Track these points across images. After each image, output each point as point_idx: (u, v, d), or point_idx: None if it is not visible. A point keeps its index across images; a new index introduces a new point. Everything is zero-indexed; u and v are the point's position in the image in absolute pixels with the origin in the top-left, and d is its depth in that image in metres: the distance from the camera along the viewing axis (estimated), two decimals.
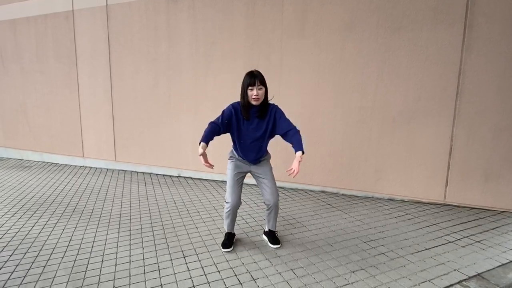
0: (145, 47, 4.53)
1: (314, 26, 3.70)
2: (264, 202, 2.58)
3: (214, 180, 4.50)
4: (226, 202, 2.55)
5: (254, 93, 2.29)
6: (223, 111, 2.41)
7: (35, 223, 3.10)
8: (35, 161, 5.69)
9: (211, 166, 2.28)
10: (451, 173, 3.45)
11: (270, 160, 2.64)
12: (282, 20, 3.81)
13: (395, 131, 3.58)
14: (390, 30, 3.43)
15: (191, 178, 4.62)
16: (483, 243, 2.71)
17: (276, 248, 2.62)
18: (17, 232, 2.90)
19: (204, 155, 2.23)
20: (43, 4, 5.09)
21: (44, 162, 5.61)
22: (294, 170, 2.20)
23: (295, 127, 2.38)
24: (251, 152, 2.48)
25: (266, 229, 2.76)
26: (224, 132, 2.42)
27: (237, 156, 2.56)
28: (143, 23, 4.49)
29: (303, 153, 2.24)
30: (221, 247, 2.60)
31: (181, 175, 4.71)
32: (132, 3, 4.51)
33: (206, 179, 4.55)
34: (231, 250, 2.57)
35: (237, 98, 2.45)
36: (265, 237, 2.77)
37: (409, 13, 3.35)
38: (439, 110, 3.40)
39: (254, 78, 2.29)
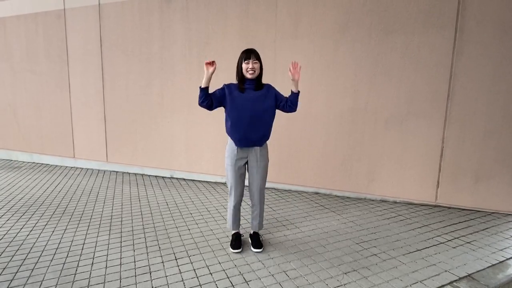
0: (138, 47, 4.49)
1: (308, 28, 3.71)
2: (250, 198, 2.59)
3: (207, 181, 4.48)
4: (230, 197, 2.52)
5: (249, 66, 2.34)
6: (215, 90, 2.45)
7: (24, 225, 3.04)
8: (24, 161, 5.59)
9: (211, 63, 2.32)
10: (442, 175, 3.49)
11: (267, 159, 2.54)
12: (275, 21, 3.81)
13: (388, 133, 3.60)
14: (382, 33, 3.46)
15: (184, 179, 4.59)
16: (473, 244, 2.74)
17: (257, 252, 2.53)
18: (4, 235, 2.84)
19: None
20: (34, 2, 5.01)
21: (33, 162, 5.51)
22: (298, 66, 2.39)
23: None
24: (253, 129, 2.34)
25: (251, 231, 2.72)
26: (217, 105, 2.41)
27: (233, 144, 2.42)
28: (136, 23, 4.45)
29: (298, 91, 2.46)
30: (230, 248, 2.56)
31: (174, 176, 4.67)
32: (125, 3, 4.46)
33: (198, 180, 4.52)
34: (241, 251, 2.53)
35: None
36: (249, 240, 2.69)
37: (401, 16, 3.38)
38: (430, 112, 3.43)
39: (250, 53, 2.37)
